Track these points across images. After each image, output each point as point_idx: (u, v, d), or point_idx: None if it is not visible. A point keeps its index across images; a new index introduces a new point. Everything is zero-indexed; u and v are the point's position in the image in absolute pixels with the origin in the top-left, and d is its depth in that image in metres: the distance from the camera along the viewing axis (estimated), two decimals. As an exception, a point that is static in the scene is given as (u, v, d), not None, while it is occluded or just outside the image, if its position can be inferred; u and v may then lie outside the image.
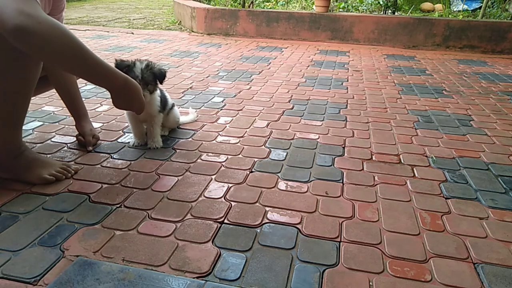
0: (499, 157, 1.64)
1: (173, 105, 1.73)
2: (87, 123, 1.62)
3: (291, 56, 3.67)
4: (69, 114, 1.65)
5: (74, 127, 1.63)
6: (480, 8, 5.13)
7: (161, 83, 1.52)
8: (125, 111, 1.60)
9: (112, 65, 1.26)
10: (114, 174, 1.38)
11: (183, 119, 1.87)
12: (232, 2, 5.44)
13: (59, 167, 1.32)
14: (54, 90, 1.65)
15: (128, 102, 1.28)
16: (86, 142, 1.55)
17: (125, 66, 1.43)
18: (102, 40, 4.12)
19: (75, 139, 1.64)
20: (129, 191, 1.28)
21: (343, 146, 1.69)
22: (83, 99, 1.70)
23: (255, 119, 1.97)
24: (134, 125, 1.60)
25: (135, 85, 1.26)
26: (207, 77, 2.77)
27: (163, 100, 1.62)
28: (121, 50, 3.63)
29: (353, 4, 5.55)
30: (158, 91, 1.58)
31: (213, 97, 2.31)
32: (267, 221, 1.14)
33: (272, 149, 1.63)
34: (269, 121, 1.94)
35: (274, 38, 4.58)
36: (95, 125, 1.78)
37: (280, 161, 1.52)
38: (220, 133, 1.78)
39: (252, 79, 2.75)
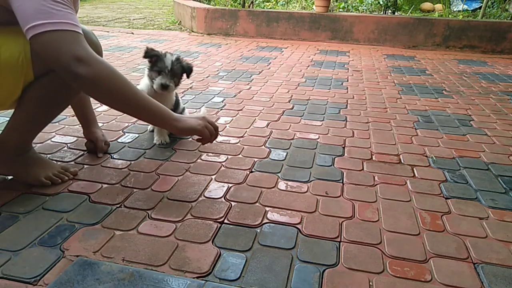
0: (499, 157, 1.64)
1: (183, 109, 1.77)
2: (98, 129, 1.60)
3: (291, 56, 3.67)
4: (70, 114, 1.65)
5: (77, 130, 1.63)
6: (480, 8, 5.13)
7: (188, 77, 1.58)
8: None
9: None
10: (114, 174, 1.38)
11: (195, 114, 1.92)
12: (232, 2, 5.44)
13: (58, 170, 1.31)
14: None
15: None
16: (98, 148, 1.53)
17: (154, 55, 1.48)
18: (102, 40, 4.12)
19: (75, 139, 1.64)
20: (129, 191, 1.28)
21: (343, 146, 1.69)
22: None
23: (255, 119, 1.97)
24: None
25: (191, 129, 1.24)
26: (207, 77, 2.77)
27: (176, 102, 1.67)
28: (121, 50, 3.63)
29: (353, 4, 5.55)
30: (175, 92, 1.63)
31: (213, 97, 2.31)
32: (267, 221, 1.14)
33: (272, 149, 1.63)
34: (269, 121, 1.94)
35: (274, 38, 4.58)
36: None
37: (280, 161, 1.52)
38: (220, 133, 1.78)
39: (252, 79, 2.75)
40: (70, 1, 1.06)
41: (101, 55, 1.29)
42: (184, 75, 1.58)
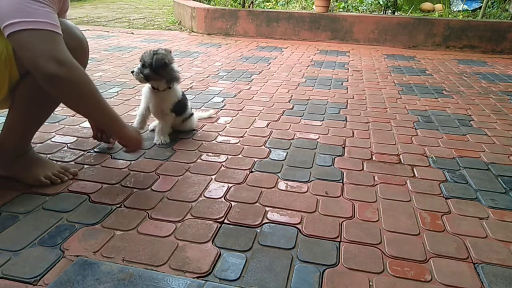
0: (499, 157, 1.64)
1: (191, 114, 1.76)
2: None
3: (291, 56, 3.67)
4: (70, 114, 1.65)
5: (87, 124, 1.63)
6: (480, 8, 5.13)
7: (156, 72, 1.52)
8: (142, 95, 1.67)
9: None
10: (114, 174, 1.38)
11: (201, 114, 1.93)
12: (232, 2, 5.44)
13: (57, 170, 1.31)
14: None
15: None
16: (109, 138, 1.57)
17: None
18: (102, 40, 4.12)
19: (75, 139, 1.64)
20: (129, 191, 1.28)
21: (343, 146, 1.69)
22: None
23: (255, 119, 1.97)
24: (143, 108, 1.66)
25: (129, 137, 1.31)
26: (207, 77, 2.77)
27: (183, 104, 1.67)
28: (121, 50, 3.63)
29: (353, 4, 5.55)
30: (177, 92, 1.63)
31: (213, 97, 2.31)
32: (267, 221, 1.14)
33: (272, 149, 1.63)
34: (269, 121, 1.94)
35: (274, 38, 4.58)
36: (95, 125, 1.78)
37: (280, 161, 1.52)
38: (220, 133, 1.78)
39: (252, 79, 2.75)
40: (50, 0, 1.05)
41: (87, 50, 1.29)
42: (170, 73, 1.57)
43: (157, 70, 1.52)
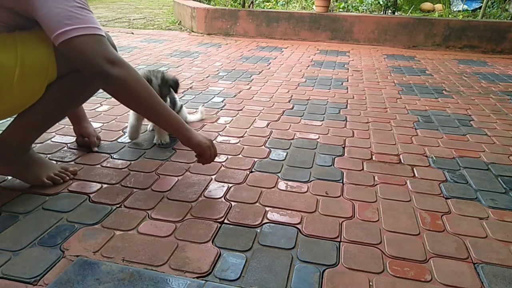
0: (499, 157, 1.64)
1: (181, 106, 1.78)
2: (89, 124, 1.62)
3: (291, 56, 3.67)
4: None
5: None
6: (480, 8, 5.13)
7: (176, 92, 1.62)
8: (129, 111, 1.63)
9: None
10: (114, 174, 1.38)
11: (190, 118, 1.90)
12: (232, 2, 5.44)
13: (58, 170, 1.32)
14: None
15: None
16: (91, 143, 1.55)
17: None
18: (102, 40, 4.12)
19: (75, 139, 1.64)
20: (129, 191, 1.28)
21: (343, 146, 1.69)
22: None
23: (255, 119, 1.97)
24: (134, 119, 1.60)
25: (197, 143, 1.27)
26: (207, 77, 2.77)
27: (172, 100, 1.68)
28: (121, 50, 3.63)
29: (353, 4, 5.55)
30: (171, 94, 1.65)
31: (213, 97, 2.31)
32: (267, 221, 1.14)
33: (272, 149, 1.63)
34: (269, 121, 1.94)
35: (274, 38, 4.58)
36: (95, 125, 1.78)
37: (280, 161, 1.52)
38: (220, 133, 1.78)
39: (252, 79, 2.75)
40: (89, 7, 1.11)
41: None
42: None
43: (177, 91, 1.61)
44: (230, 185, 1.34)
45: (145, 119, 1.64)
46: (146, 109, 1.21)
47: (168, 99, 1.63)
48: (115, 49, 1.34)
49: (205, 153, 1.28)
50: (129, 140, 1.65)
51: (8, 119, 1.27)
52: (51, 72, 1.15)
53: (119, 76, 1.08)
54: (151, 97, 1.17)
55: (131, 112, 1.62)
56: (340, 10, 5.29)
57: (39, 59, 1.11)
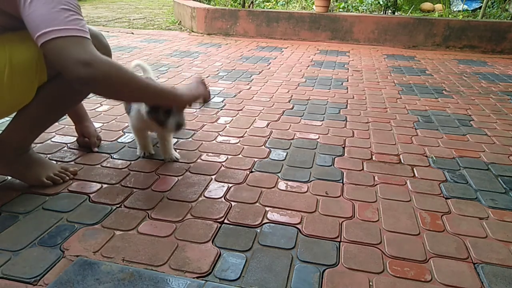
0: (499, 157, 1.64)
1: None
2: (91, 123, 1.62)
3: (291, 56, 3.67)
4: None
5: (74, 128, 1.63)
6: (480, 8, 5.13)
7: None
8: (130, 123, 1.54)
9: None
10: (114, 174, 1.38)
11: None
12: (232, 2, 5.44)
13: (58, 170, 1.32)
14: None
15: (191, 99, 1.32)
16: (91, 143, 1.55)
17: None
18: (102, 40, 4.12)
19: (75, 139, 1.63)
20: (129, 191, 1.28)
21: (343, 146, 1.69)
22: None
23: (255, 119, 1.97)
24: (140, 135, 1.50)
25: (191, 96, 1.29)
26: (207, 77, 2.77)
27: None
28: (121, 50, 3.64)
29: (353, 4, 5.55)
30: None
31: (213, 97, 2.31)
32: (267, 221, 1.14)
33: (272, 149, 1.63)
34: (269, 121, 1.94)
35: (274, 38, 4.58)
36: (95, 125, 1.78)
37: (280, 161, 1.52)
38: (220, 133, 1.78)
39: (252, 79, 2.75)
40: (78, 7, 1.08)
41: (111, 57, 1.31)
42: None
43: None
44: (230, 185, 1.34)
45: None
46: (134, 97, 1.21)
47: None
48: (109, 50, 1.33)
49: (206, 95, 1.33)
50: (131, 140, 1.65)
51: (7, 119, 1.27)
52: (41, 72, 1.14)
53: (94, 77, 1.02)
54: (137, 84, 1.14)
55: (133, 131, 1.51)
56: (340, 10, 5.29)
57: (27, 58, 1.11)
